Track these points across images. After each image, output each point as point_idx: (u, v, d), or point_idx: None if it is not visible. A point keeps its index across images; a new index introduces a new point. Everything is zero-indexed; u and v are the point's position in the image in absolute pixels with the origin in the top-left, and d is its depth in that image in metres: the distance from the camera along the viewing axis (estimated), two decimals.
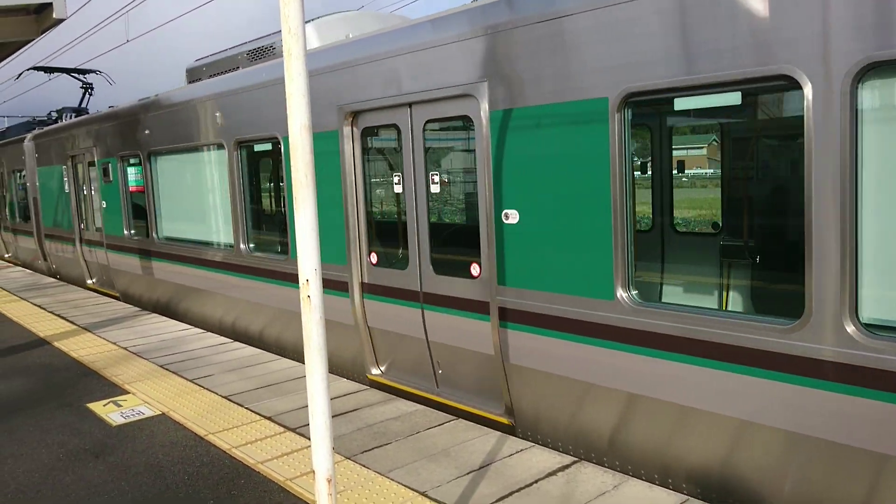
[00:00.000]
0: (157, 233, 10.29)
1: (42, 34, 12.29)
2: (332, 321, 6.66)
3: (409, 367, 6.20)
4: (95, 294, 12.17)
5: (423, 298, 5.82)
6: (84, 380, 6.77)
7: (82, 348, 8.05)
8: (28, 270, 16.14)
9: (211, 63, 9.20)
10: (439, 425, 5.15)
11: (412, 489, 4.15)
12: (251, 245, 8.18)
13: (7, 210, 18.48)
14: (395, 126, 5.91)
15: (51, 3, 10.81)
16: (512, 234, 4.95)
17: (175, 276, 9.95)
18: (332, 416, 5.42)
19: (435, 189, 5.67)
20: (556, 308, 4.75)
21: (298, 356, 7.50)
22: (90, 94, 17.01)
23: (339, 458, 4.65)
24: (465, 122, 5.41)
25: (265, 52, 8.18)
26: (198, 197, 9.29)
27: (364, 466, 4.50)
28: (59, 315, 10.19)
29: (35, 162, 15.38)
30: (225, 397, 6.04)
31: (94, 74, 17.14)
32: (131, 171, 10.94)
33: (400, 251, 6.20)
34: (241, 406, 5.79)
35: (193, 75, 9.55)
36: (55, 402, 6.12)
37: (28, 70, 17.11)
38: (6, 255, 19.50)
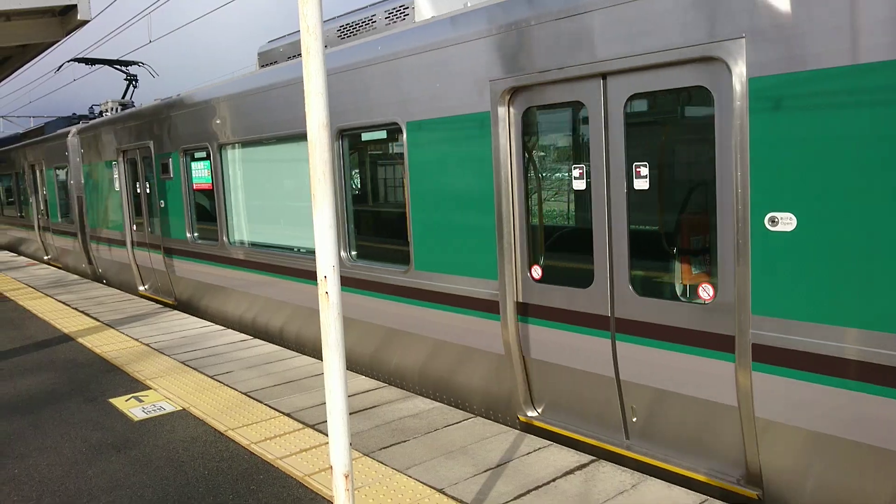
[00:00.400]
0: (227, 236, 9.07)
1: (67, 35, 12.48)
2: (471, 347, 5.61)
3: (585, 410, 4.99)
4: (118, 291, 12.29)
5: (616, 326, 4.62)
6: (107, 375, 6.87)
7: (105, 344, 8.17)
8: (53, 268, 16.37)
9: (291, 43, 8.01)
10: (457, 423, 5.16)
11: (430, 486, 4.16)
12: (354, 253, 6.91)
13: (48, 210, 17.11)
14: (576, 104, 4.71)
15: (75, 5, 10.98)
16: (781, 244, 3.70)
17: (249, 287, 8.75)
18: (351, 413, 5.45)
19: (641, 185, 4.40)
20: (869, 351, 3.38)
21: (448, 397, 6.11)
22: (135, 87, 16.12)
23: (357, 455, 4.67)
24: (692, 95, 4.17)
25: (361, 26, 6.94)
26: (283, 196, 8.09)
27: (382, 463, 4.52)
28: (83, 311, 10.35)
29: (80, 158, 14.28)
30: (245, 394, 6.10)
31: (136, 66, 16.35)
32: (196, 166, 9.71)
33: (580, 264, 4.91)
34: (261, 402, 5.84)
35: (267, 58, 8.41)
36: (79, 397, 6.22)
37: (69, 62, 16.53)
38: (46, 258, 18.21)
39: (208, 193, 9.52)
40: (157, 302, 11.52)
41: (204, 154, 9.37)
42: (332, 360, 2.52)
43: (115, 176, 12.58)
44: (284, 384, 6.32)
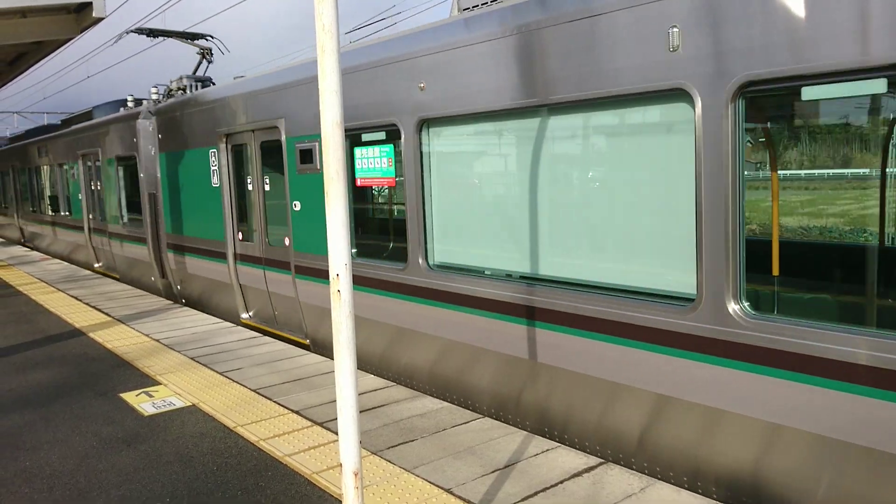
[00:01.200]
0: (426, 257, 5.99)
1: (82, 33, 12.57)
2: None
3: None
4: (130, 287, 12.31)
5: None
6: (117, 370, 6.92)
7: (116, 339, 8.22)
8: (66, 263, 16.43)
9: None
10: (465, 423, 5.16)
11: (437, 486, 4.17)
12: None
13: (101, 209, 14.27)
14: None
15: (91, 3, 11.06)
16: None
17: (453, 330, 5.78)
18: (360, 412, 5.46)
19: None
20: None
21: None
22: (209, 62, 13.55)
23: (366, 453, 4.68)
24: None
25: None
26: (518, 196, 5.27)
27: (390, 462, 4.53)
28: (94, 307, 10.42)
29: (157, 145, 11.31)
30: (254, 390, 6.12)
31: (206, 40, 13.62)
32: (367, 153, 6.63)
33: None
34: (270, 399, 5.86)
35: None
36: (89, 392, 6.26)
37: (129, 32, 14.36)
38: (96, 265, 15.31)
39: (381, 192, 7.11)
40: (273, 336, 8.81)
41: (383, 137, 6.43)
42: (343, 358, 2.53)
43: (214, 167, 9.55)
44: (293, 382, 6.34)
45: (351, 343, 2.51)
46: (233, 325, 8.83)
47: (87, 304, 10.70)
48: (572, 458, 4.48)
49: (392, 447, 4.78)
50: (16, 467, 4.67)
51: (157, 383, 6.44)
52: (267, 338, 8.06)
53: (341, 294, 2.50)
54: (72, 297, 11.41)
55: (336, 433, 5.05)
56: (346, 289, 2.51)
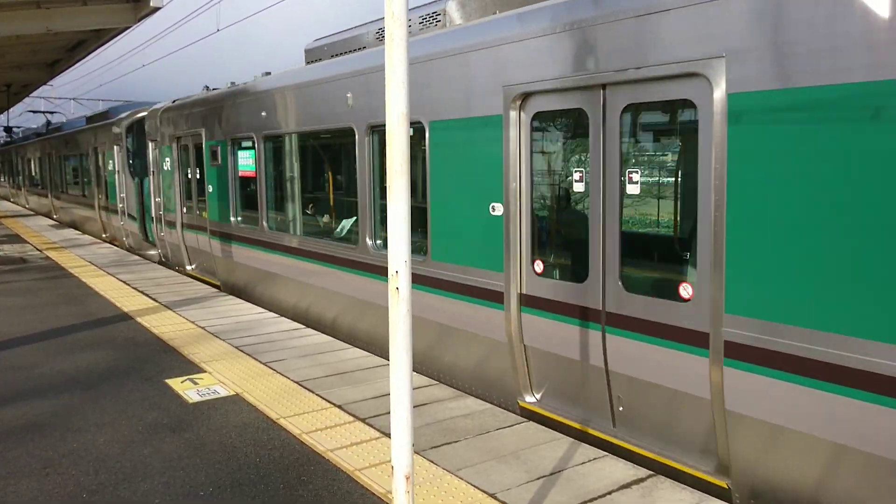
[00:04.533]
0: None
1: (139, 22, 12.78)
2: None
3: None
4: (177, 273, 12.57)
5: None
6: (163, 356, 6.99)
7: (163, 325, 8.33)
8: (115, 247, 16.83)
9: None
10: (509, 426, 5.06)
11: (482, 490, 4.08)
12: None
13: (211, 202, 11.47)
14: None
15: None
16: None
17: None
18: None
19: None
20: None
21: None
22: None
23: None
24: None
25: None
26: None
27: (433, 463, 4.46)
28: (142, 291, 10.59)
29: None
30: (297, 382, 6.11)
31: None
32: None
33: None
34: (313, 392, 5.84)
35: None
36: (136, 376, 6.33)
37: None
38: (189, 268, 12.87)
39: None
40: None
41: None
42: (400, 358, 2.45)
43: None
44: (336, 375, 6.32)
45: (408, 344, 2.43)
46: (276, 315, 8.87)
47: (135, 288, 10.89)
48: (620, 469, 4.35)
49: (435, 447, 4.70)
50: (64, 448, 4.73)
51: (202, 371, 6.48)
52: (309, 329, 8.07)
53: (400, 292, 2.42)
54: (121, 280, 11.63)
55: (379, 430, 5.00)
56: (404, 286, 2.43)
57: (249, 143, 9.83)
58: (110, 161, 17.15)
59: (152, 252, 15.05)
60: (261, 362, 6.75)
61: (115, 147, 16.50)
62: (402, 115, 2.34)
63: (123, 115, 16.53)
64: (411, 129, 6.72)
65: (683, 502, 3.93)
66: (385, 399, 5.60)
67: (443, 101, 6.09)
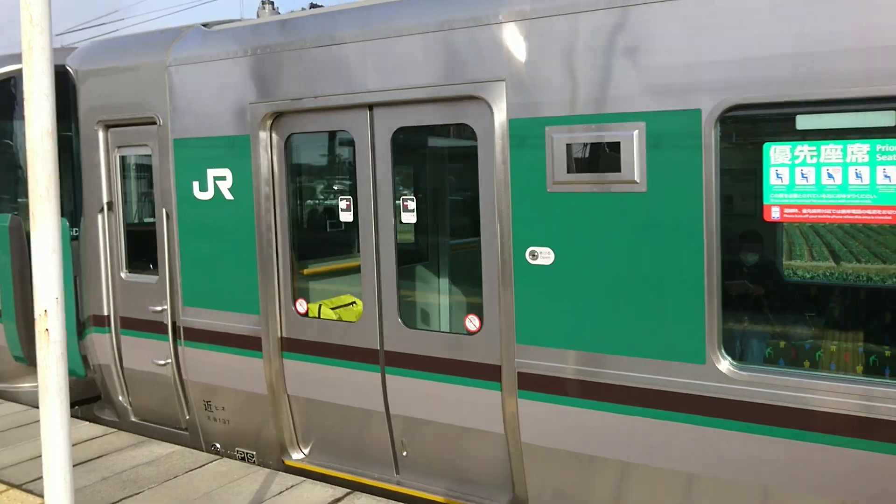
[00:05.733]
0: None
1: None
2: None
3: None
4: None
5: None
6: None
7: None
8: None
9: None
10: (200, 467, 4.75)
11: None
12: None
13: None
14: None
15: None
16: None
17: None
18: (72, 466, 4.72)
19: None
20: None
21: None
22: None
23: None
24: None
25: None
26: None
27: None
28: None
29: None
30: None
31: None
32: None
33: None
34: None
35: None
36: None
37: None
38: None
39: None
40: None
41: None
42: (54, 407, 2.14)
43: None
44: None
45: (63, 390, 2.14)
46: None
47: None
48: (319, 492, 4.35)
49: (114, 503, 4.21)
50: None
51: None
52: None
53: (50, 333, 2.12)
54: None
55: (40, 495, 4.32)
56: (55, 328, 2.14)
57: None
58: None
59: (27, 386, 6.62)
60: None
61: None
62: (46, 131, 2.07)
63: None
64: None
65: None
66: None
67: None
